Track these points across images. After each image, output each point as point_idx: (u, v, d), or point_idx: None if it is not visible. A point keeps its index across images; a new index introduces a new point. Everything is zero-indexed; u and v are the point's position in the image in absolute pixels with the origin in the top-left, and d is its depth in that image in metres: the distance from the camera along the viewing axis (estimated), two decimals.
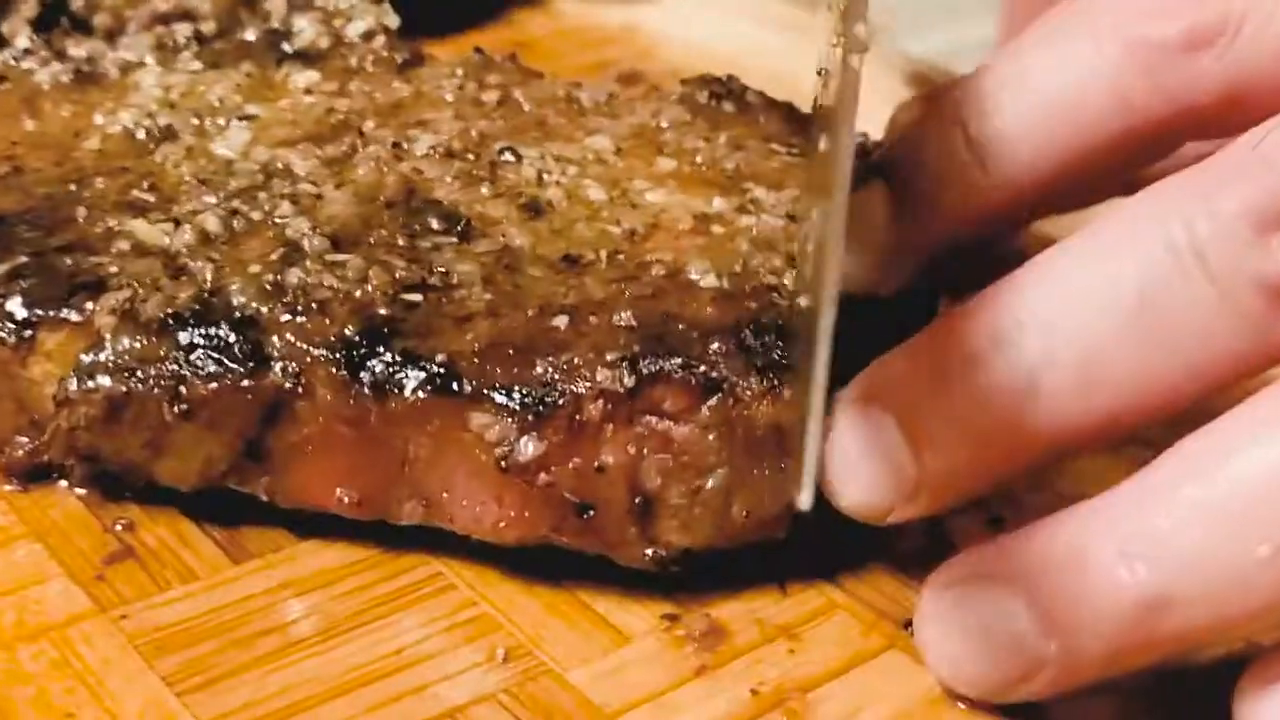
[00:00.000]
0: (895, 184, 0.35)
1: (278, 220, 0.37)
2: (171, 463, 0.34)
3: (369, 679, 0.32)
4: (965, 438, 0.31)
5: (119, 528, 0.35)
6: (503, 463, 0.32)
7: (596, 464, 0.32)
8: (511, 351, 0.33)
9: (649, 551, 0.33)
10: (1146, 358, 0.30)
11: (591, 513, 0.33)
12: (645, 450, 0.33)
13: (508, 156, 0.40)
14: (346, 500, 0.34)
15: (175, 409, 0.33)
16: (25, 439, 0.36)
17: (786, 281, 0.35)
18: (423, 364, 0.33)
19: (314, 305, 0.34)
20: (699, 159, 0.41)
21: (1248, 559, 0.28)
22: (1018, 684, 0.31)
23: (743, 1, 0.67)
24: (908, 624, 0.34)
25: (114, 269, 0.36)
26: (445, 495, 0.33)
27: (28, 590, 0.33)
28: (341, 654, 0.32)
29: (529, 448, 0.32)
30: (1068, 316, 0.30)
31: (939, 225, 0.35)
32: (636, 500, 0.33)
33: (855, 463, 0.32)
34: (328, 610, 0.33)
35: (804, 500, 0.29)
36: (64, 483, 0.36)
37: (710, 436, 0.33)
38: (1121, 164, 0.34)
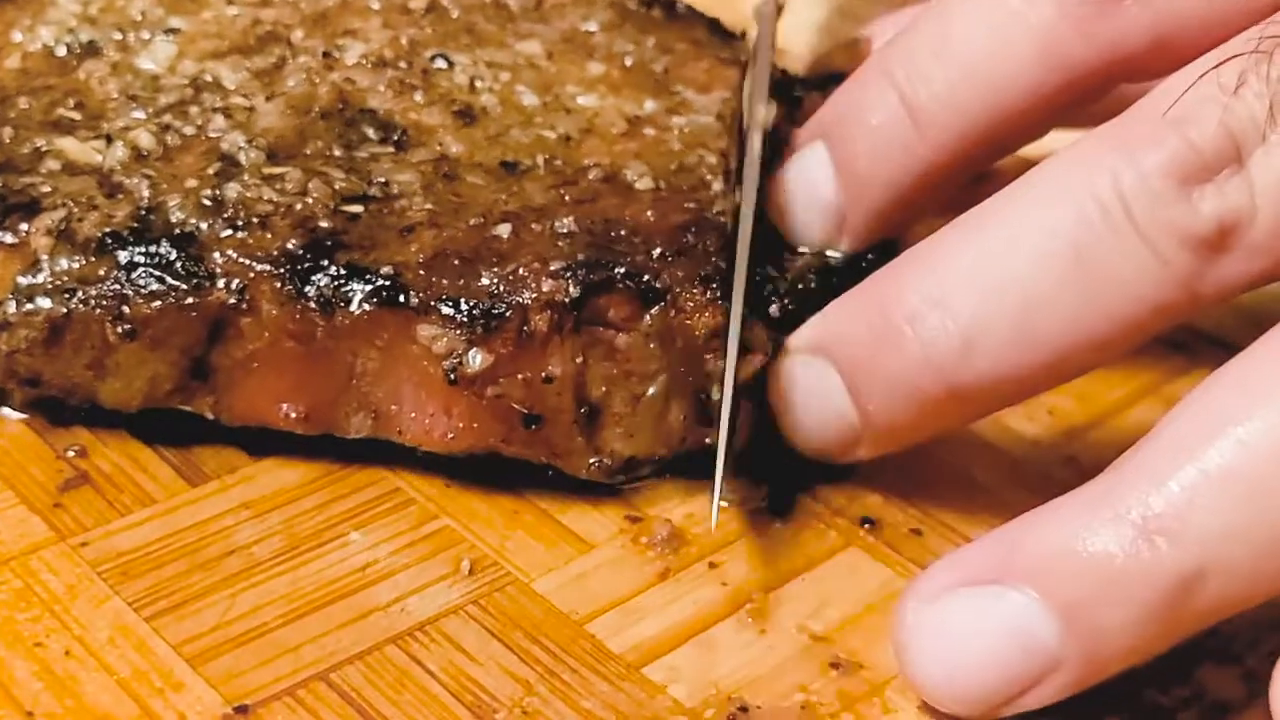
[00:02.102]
0: (834, 146, 0.34)
1: (211, 134, 0.35)
2: (115, 384, 0.33)
3: (337, 596, 0.31)
4: (905, 394, 0.31)
5: (71, 454, 0.34)
6: (452, 375, 0.31)
7: (544, 375, 0.32)
8: (457, 262, 0.32)
9: (594, 460, 0.32)
10: (1079, 310, 0.30)
11: (539, 423, 0.32)
12: (590, 360, 0.32)
13: (439, 63, 0.38)
14: (293, 415, 0.33)
15: (118, 329, 0.32)
16: None
17: (719, 184, 0.34)
18: (368, 276, 0.32)
19: (255, 219, 0.32)
20: (628, 62, 0.39)
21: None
22: (1024, 694, 0.28)
23: None
24: (864, 521, 0.34)
25: (46, 189, 0.34)
26: (394, 408, 0.32)
27: None
28: (307, 572, 0.32)
29: (477, 360, 0.31)
30: (1000, 273, 0.30)
31: (880, 186, 0.34)
32: (582, 410, 0.32)
33: (800, 411, 0.32)
34: (290, 529, 0.33)
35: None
36: (5, 409, 0.35)
37: (651, 345, 0.32)
38: (1055, 114, 0.34)
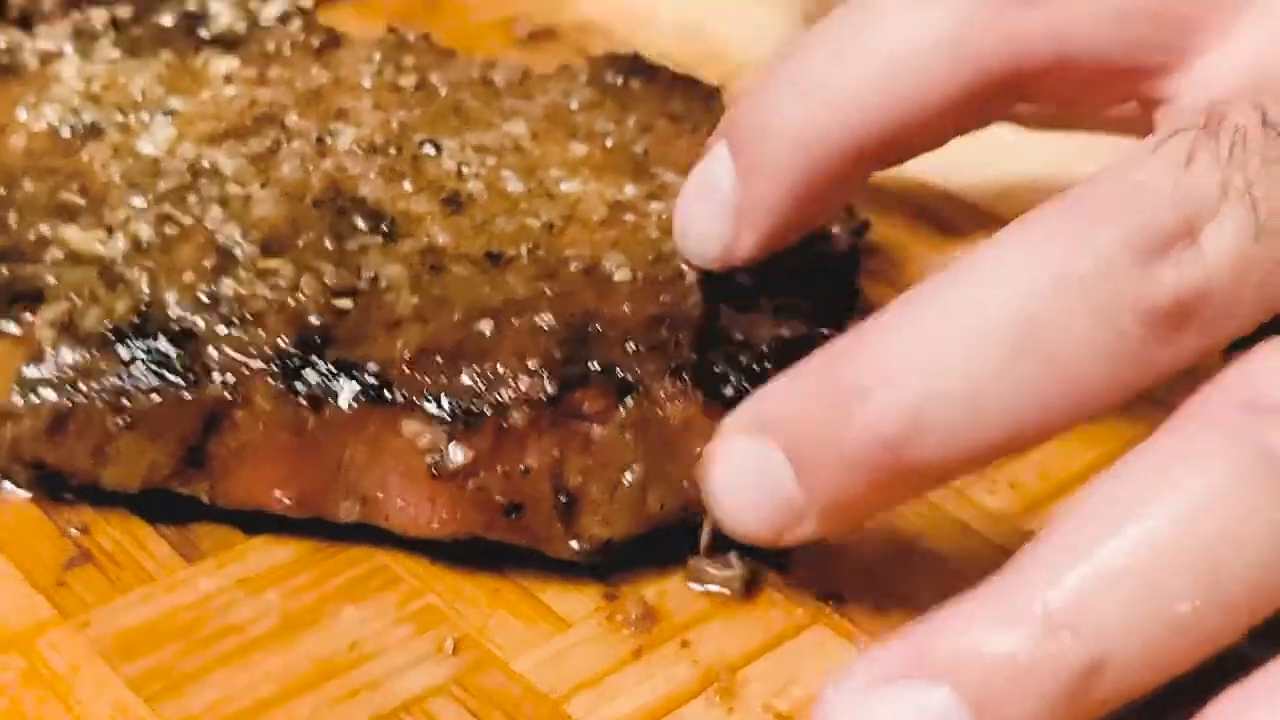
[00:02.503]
0: (734, 142, 0.34)
1: (208, 225, 0.36)
2: (116, 469, 0.34)
3: (328, 674, 0.32)
4: (853, 472, 0.30)
5: (74, 532, 0.35)
6: (434, 470, 0.33)
7: (522, 467, 0.33)
8: (439, 359, 0.33)
9: (575, 544, 0.34)
10: (1032, 389, 0.29)
11: (519, 512, 0.33)
12: (567, 451, 0.33)
13: (428, 149, 0.39)
14: (286, 500, 0.34)
15: (118, 421, 0.33)
16: None
17: (693, 275, 0.36)
18: (355, 373, 0.33)
19: (249, 316, 0.34)
20: (609, 143, 0.40)
21: (1172, 614, 0.27)
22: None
23: None
24: (830, 597, 0.35)
25: (50, 279, 0.35)
26: (380, 496, 0.34)
27: None
28: (299, 651, 0.33)
29: (458, 455, 0.33)
30: (951, 350, 0.30)
31: (779, 183, 0.34)
32: (561, 498, 0.33)
33: (741, 493, 0.31)
34: (283, 607, 0.34)
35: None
36: (10, 485, 0.36)
37: (626, 435, 0.33)
38: (959, 117, 0.34)
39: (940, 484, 0.32)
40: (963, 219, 0.49)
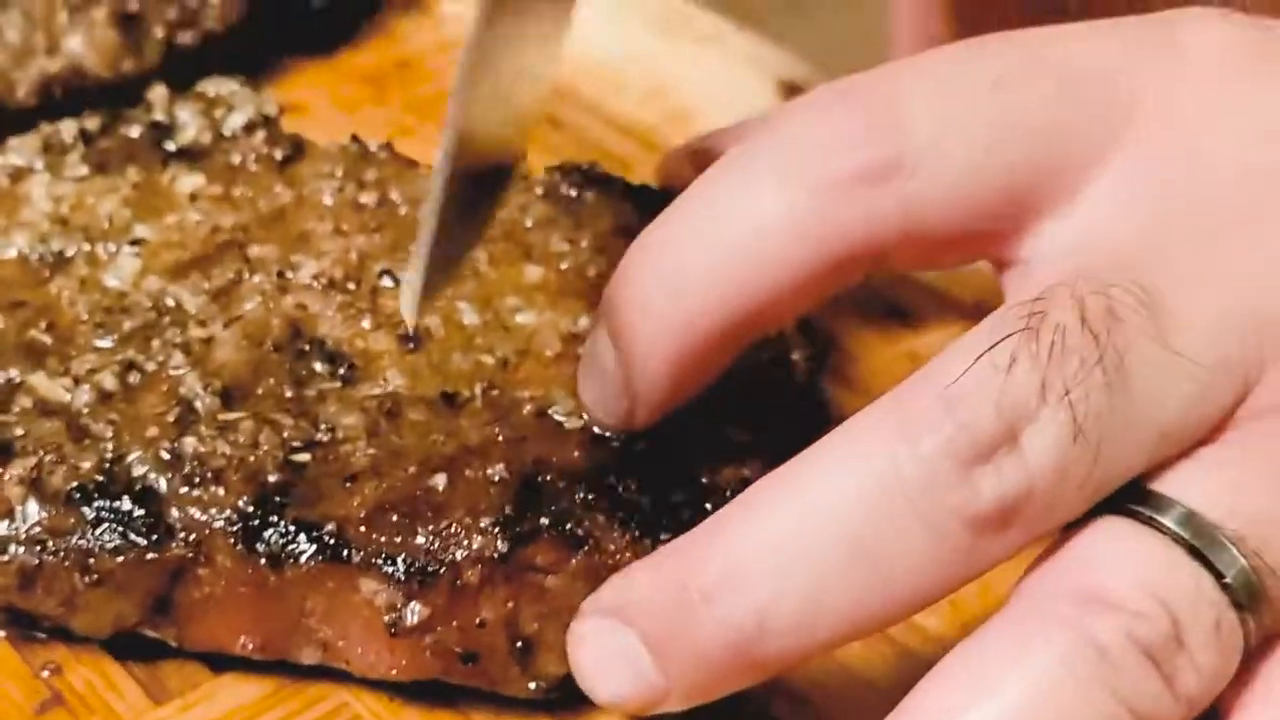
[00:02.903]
0: (610, 325, 0.35)
1: (172, 372, 0.37)
2: (85, 618, 0.36)
3: None
4: (705, 666, 0.32)
5: (46, 674, 0.36)
6: (392, 629, 0.34)
7: (478, 621, 0.34)
8: (395, 517, 0.34)
9: (532, 685, 0.35)
10: (864, 590, 0.31)
11: (476, 660, 0.34)
12: (521, 602, 0.34)
13: (386, 281, 0.40)
14: (250, 646, 0.35)
15: (85, 579, 0.34)
16: None
17: None
18: (314, 533, 0.34)
19: (209, 474, 0.35)
20: (564, 265, 0.41)
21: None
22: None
23: (626, 3, 0.66)
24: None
25: (19, 431, 0.36)
26: (341, 643, 0.35)
27: None
28: None
29: (414, 614, 0.33)
30: (789, 553, 0.31)
31: (656, 362, 0.34)
32: (517, 644, 0.34)
33: (604, 670, 0.32)
34: None
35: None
36: None
37: (578, 583, 0.34)
38: (818, 292, 0.34)
39: (790, 669, 0.33)
40: (920, 303, 0.50)
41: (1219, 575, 0.31)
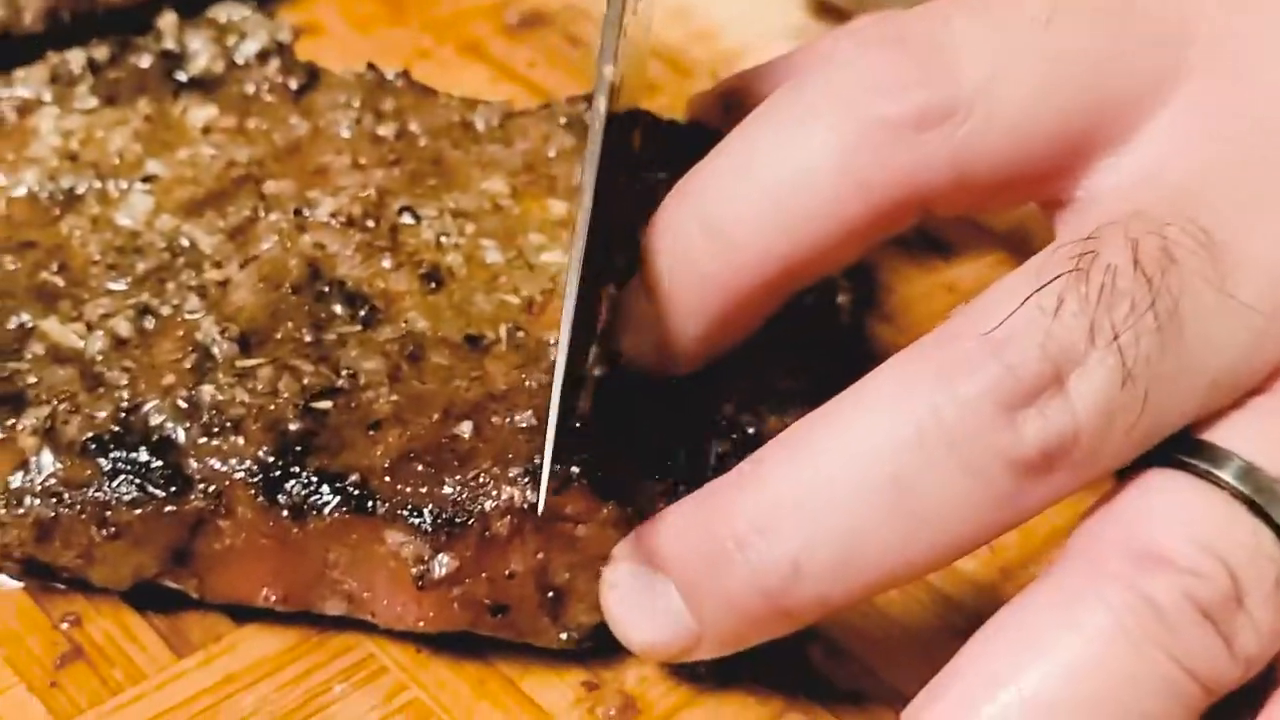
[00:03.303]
0: (646, 273, 0.34)
1: (187, 317, 0.36)
2: (103, 570, 0.34)
3: None
4: (736, 612, 0.31)
5: (66, 625, 0.35)
6: (420, 582, 0.32)
7: (507, 572, 0.33)
8: (420, 466, 0.33)
9: (563, 635, 0.34)
10: (902, 537, 0.30)
11: (506, 612, 0.33)
12: (552, 552, 0.33)
13: (406, 218, 0.39)
14: (272, 598, 0.34)
15: (103, 532, 0.33)
16: None
17: None
18: (337, 484, 0.33)
19: (228, 424, 0.33)
20: None
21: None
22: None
23: None
24: (804, 678, 0.35)
25: (32, 379, 0.35)
26: (366, 595, 0.34)
27: None
28: None
29: (442, 566, 0.32)
30: (824, 500, 0.30)
31: (690, 313, 0.33)
32: (548, 594, 0.33)
33: (637, 616, 0.32)
34: (272, 703, 0.34)
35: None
36: (2, 575, 0.36)
37: (609, 531, 0.33)
38: (862, 240, 0.33)
39: (821, 619, 0.32)
40: (955, 232, 0.48)
41: (1279, 530, 0.29)
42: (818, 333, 0.37)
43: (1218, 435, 0.30)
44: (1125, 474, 0.31)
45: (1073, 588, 0.29)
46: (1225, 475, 0.30)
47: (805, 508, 0.30)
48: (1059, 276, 0.29)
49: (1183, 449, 0.30)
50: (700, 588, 0.31)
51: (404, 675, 0.35)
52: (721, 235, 0.32)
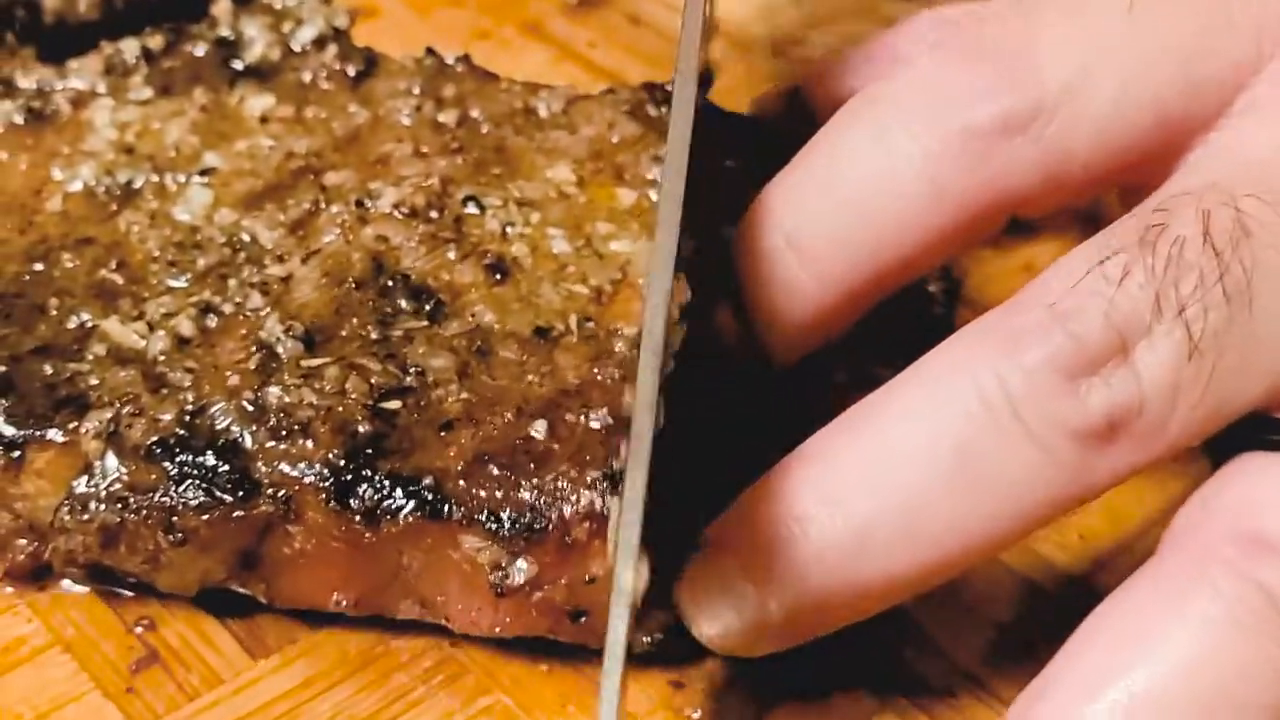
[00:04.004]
0: (733, 294, 0.34)
1: (249, 314, 0.35)
2: (170, 576, 0.33)
3: None
4: (803, 592, 0.30)
5: (140, 629, 0.34)
6: (498, 588, 0.31)
7: (587, 577, 0.31)
8: (495, 470, 0.32)
9: (646, 638, 0.32)
10: (969, 509, 0.29)
11: (586, 617, 0.32)
12: None
13: (471, 208, 0.37)
14: (344, 602, 0.33)
15: (169, 538, 0.32)
16: (24, 541, 0.34)
17: None
18: (410, 488, 0.31)
19: (296, 427, 0.32)
20: (653, 194, 0.38)
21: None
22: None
23: None
24: (899, 677, 0.33)
25: (94, 380, 0.34)
26: (440, 599, 0.33)
27: (64, 710, 0.33)
28: None
29: (521, 572, 0.31)
30: (889, 475, 0.29)
31: (781, 324, 0.33)
32: None
33: (706, 606, 0.31)
34: (351, 707, 0.33)
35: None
36: (67, 581, 0.35)
37: None
38: (947, 248, 0.33)
39: (890, 604, 0.31)
40: None
41: None
42: (912, 321, 0.36)
43: None
44: (1220, 461, 0.30)
45: (1178, 578, 0.28)
46: None
47: (868, 480, 0.29)
48: (1127, 248, 0.29)
49: (1277, 431, 0.29)
50: (765, 569, 0.30)
51: (485, 678, 0.33)
52: (807, 248, 0.32)
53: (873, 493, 0.29)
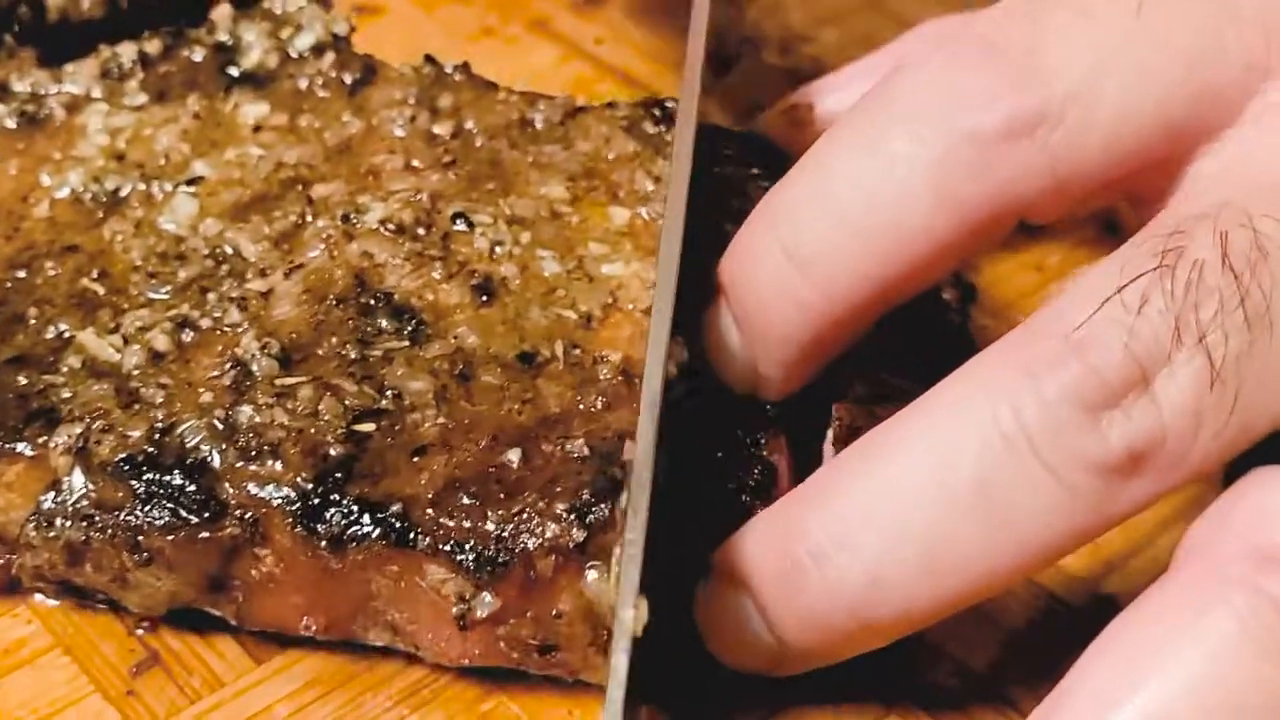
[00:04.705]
0: (732, 301, 0.32)
1: (226, 329, 0.34)
2: (138, 596, 0.33)
3: None
4: (817, 629, 0.29)
5: (141, 631, 0.34)
6: (461, 621, 0.30)
7: (554, 612, 0.31)
8: (465, 499, 0.31)
9: None
10: (987, 547, 0.28)
11: (555, 651, 0.31)
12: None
13: (460, 225, 0.36)
14: (314, 627, 0.32)
15: (135, 558, 0.31)
16: None
17: None
18: (378, 514, 0.31)
19: (266, 448, 0.31)
20: (647, 213, 0.37)
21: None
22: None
23: None
24: (904, 683, 0.33)
25: (67, 394, 0.33)
26: (411, 628, 0.32)
27: (63, 714, 0.32)
28: None
29: (486, 605, 0.30)
30: (903, 508, 0.28)
31: (779, 341, 0.32)
32: (600, 632, 0.31)
33: (724, 632, 0.31)
34: (354, 712, 0.32)
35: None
36: (39, 596, 0.34)
37: None
38: (953, 256, 0.31)
39: (906, 633, 0.30)
40: None
41: None
42: (927, 330, 0.35)
43: None
44: (1233, 477, 0.30)
45: (1192, 593, 0.27)
46: None
47: (883, 516, 0.29)
48: (1145, 273, 0.28)
49: None
50: (779, 604, 0.30)
51: (490, 681, 0.32)
52: (809, 263, 0.31)
53: (886, 530, 0.29)
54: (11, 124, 0.40)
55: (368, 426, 0.32)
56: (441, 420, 0.32)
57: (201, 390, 0.33)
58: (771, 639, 0.30)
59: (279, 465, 0.31)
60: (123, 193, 0.38)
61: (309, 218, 0.37)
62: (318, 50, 0.42)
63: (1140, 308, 0.28)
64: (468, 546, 0.30)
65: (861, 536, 0.29)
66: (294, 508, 0.31)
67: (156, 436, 0.32)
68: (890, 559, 0.29)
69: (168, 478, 0.31)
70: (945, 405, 0.29)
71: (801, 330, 0.31)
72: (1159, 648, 0.27)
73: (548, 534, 0.30)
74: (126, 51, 0.42)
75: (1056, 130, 0.29)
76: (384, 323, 0.34)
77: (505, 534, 0.30)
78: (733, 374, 0.33)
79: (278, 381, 0.33)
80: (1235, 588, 0.27)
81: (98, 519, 0.31)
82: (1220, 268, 0.28)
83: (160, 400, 0.32)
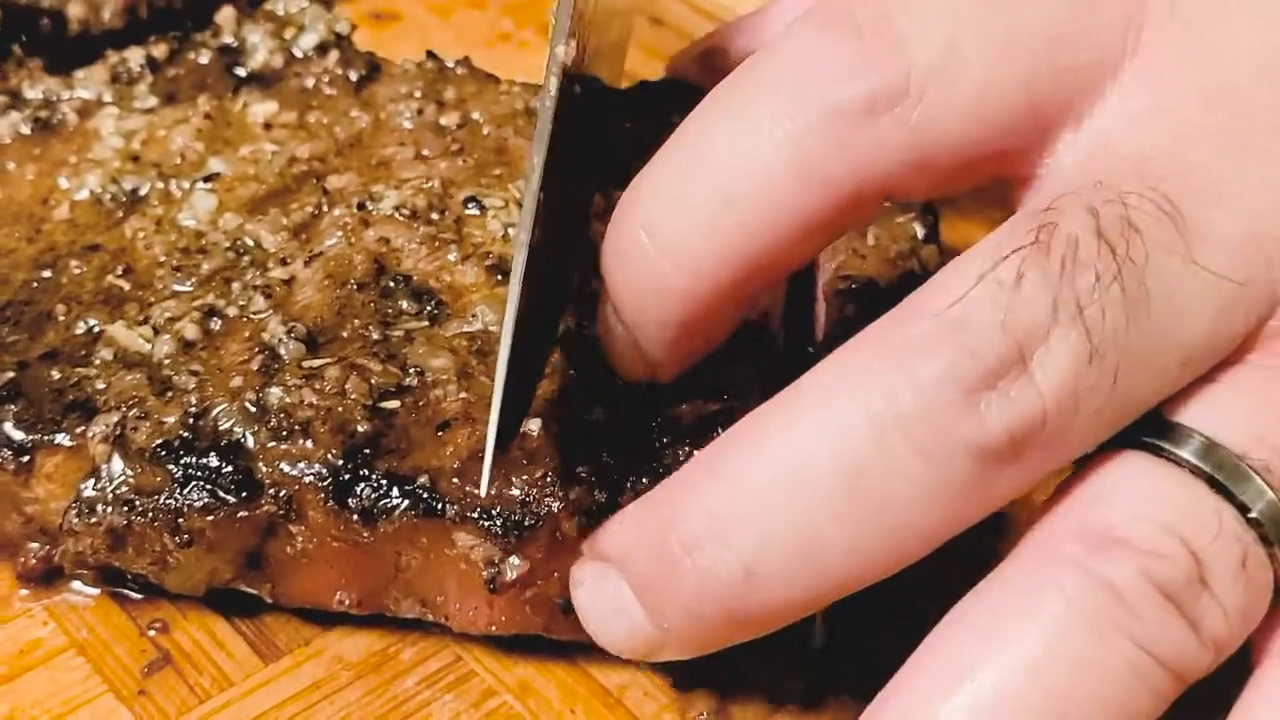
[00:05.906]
0: (606, 279, 0.32)
1: (253, 317, 0.35)
2: (178, 576, 0.34)
3: None
4: (692, 619, 0.29)
5: (153, 632, 0.35)
6: (492, 585, 0.32)
7: None
8: None
9: None
10: (861, 535, 0.27)
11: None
12: None
13: (472, 209, 0.38)
14: (347, 601, 0.34)
15: (175, 539, 0.33)
16: (36, 545, 0.35)
17: None
18: (406, 487, 0.32)
19: (297, 427, 0.33)
20: None
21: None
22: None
23: None
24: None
25: (101, 385, 0.34)
26: (440, 598, 0.33)
27: (77, 713, 0.33)
28: None
29: (512, 569, 0.32)
30: (776, 501, 0.28)
31: (653, 324, 0.31)
32: None
33: (602, 616, 0.30)
34: (360, 711, 0.33)
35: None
36: (77, 584, 0.35)
37: None
38: (822, 235, 0.30)
39: (784, 624, 0.30)
40: None
41: (1244, 509, 0.28)
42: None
43: (1179, 412, 0.28)
44: (1086, 460, 0.29)
45: (1026, 576, 0.28)
46: (1185, 453, 0.28)
47: (756, 508, 0.28)
48: (1018, 250, 0.27)
49: (1146, 429, 0.28)
50: (654, 593, 0.29)
51: (492, 679, 0.34)
52: (673, 243, 0.30)
53: (761, 523, 0.28)
54: (26, 130, 0.42)
55: (393, 404, 0.33)
56: (463, 395, 0.33)
57: (232, 375, 0.34)
58: (651, 630, 0.30)
59: (310, 444, 0.33)
60: (141, 192, 0.39)
61: (325, 208, 0.38)
62: (321, 49, 0.44)
63: (1016, 284, 0.27)
64: (494, 512, 0.32)
65: (734, 529, 0.28)
66: (326, 483, 0.32)
67: (191, 421, 0.33)
68: (764, 553, 0.28)
69: (204, 460, 0.33)
70: (816, 392, 0.28)
71: (672, 313, 0.31)
72: (995, 631, 0.27)
73: (570, 495, 0.32)
74: (134, 56, 0.44)
75: (918, 106, 0.29)
76: (404, 304, 0.35)
77: (530, 498, 0.32)
78: (623, 364, 0.33)
79: (305, 364, 0.34)
80: (1066, 569, 0.27)
81: (138, 503, 0.33)
82: (1095, 242, 0.27)
83: (192, 386, 0.34)
